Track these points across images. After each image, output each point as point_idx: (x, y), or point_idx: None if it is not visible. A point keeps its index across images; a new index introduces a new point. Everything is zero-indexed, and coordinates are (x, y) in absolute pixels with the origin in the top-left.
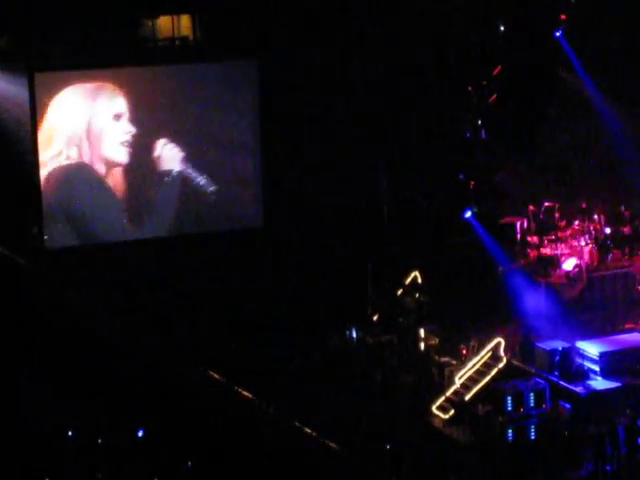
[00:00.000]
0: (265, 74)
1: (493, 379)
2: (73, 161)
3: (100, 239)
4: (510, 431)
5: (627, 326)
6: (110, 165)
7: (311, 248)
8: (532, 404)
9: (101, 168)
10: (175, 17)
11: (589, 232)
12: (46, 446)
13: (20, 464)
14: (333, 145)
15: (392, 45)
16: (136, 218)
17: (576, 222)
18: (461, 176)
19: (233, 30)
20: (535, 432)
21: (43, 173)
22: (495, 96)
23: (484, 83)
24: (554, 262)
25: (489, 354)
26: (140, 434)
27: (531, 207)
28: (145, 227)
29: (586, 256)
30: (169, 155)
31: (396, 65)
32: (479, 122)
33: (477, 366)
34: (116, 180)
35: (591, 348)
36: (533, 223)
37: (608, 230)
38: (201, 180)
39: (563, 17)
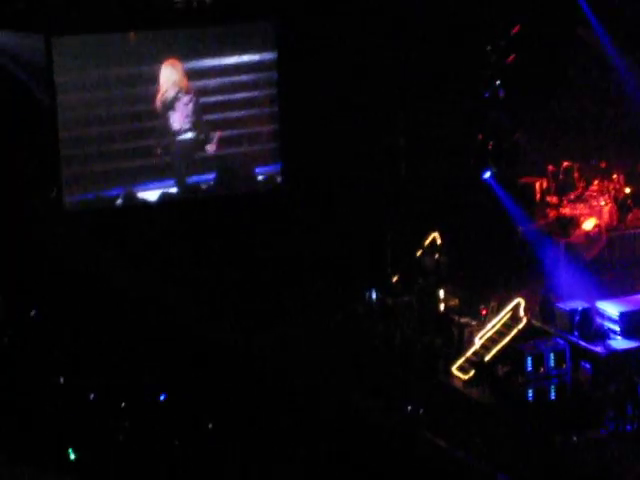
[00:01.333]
0: (282, 36)
1: (513, 339)
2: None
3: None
4: (530, 391)
5: None
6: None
7: (330, 210)
8: (552, 364)
9: None
10: None
11: (608, 191)
12: (68, 409)
13: (42, 427)
14: (350, 106)
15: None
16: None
17: (595, 182)
18: (480, 136)
19: None
20: (555, 392)
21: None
22: (513, 56)
23: (502, 43)
24: (574, 222)
25: (509, 314)
26: (162, 397)
27: (550, 167)
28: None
29: (605, 216)
30: (187, 114)
31: (413, 27)
32: (497, 82)
33: (497, 327)
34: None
35: (611, 308)
36: (552, 183)
37: (627, 189)
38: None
39: None
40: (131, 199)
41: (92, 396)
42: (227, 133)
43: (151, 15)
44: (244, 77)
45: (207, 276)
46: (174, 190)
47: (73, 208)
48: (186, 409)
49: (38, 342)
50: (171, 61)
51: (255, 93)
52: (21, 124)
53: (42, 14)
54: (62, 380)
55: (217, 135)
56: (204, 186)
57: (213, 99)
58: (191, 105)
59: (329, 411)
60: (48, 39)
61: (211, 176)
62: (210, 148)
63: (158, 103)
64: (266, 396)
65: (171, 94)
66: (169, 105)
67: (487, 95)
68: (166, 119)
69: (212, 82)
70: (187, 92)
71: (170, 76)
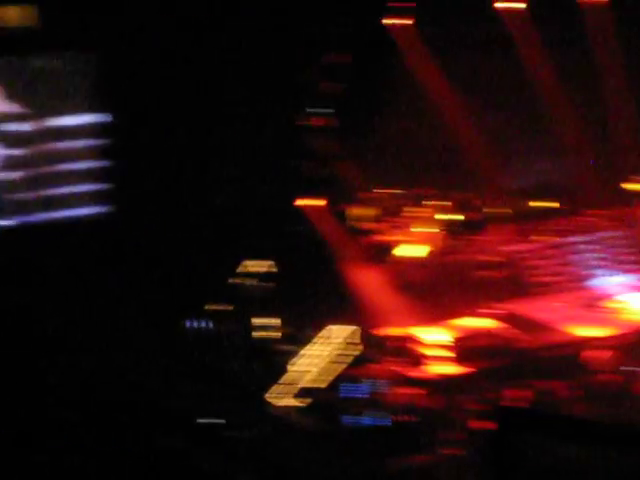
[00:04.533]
0: (105, 66)
1: (340, 366)
2: None
3: None
4: (355, 418)
5: (472, 311)
6: None
7: (152, 240)
8: (375, 390)
9: None
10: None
11: (428, 218)
12: None
13: None
14: (170, 134)
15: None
16: None
17: (415, 208)
18: (297, 163)
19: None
20: (381, 418)
21: None
22: (338, 84)
23: (320, 69)
24: (394, 248)
25: (341, 342)
26: None
27: (371, 194)
28: None
29: (429, 242)
30: None
31: (227, 51)
32: (316, 109)
33: (322, 353)
34: None
35: (436, 334)
36: (374, 210)
37: (447, 216)
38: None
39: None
40: None
41: None
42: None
43: None
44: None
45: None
46: None
47: None
48: None
49: None
50: None
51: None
52: None
53: None
54: None
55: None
56: None
57: None
58: None
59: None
60: None
61: None
62: None
63: None
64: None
65: None
66: None
67: (305, 121)
68: None
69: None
70: None
71: None
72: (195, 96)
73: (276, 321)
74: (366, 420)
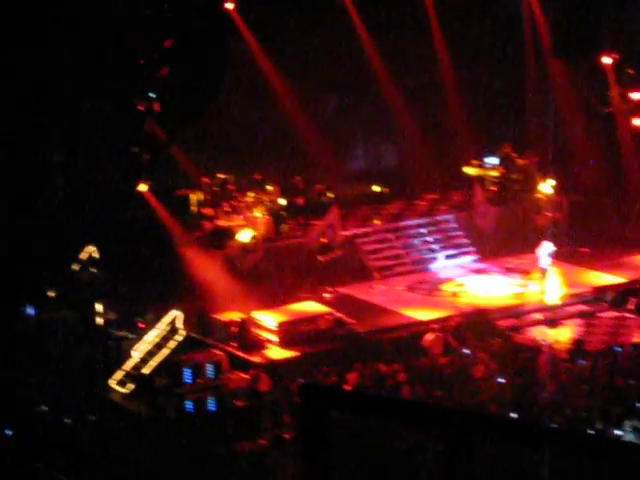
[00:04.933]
0: None
1: (172, 352)
2: None
3: None
4: (190, 403)
5: (302, 296)
6: None
7: None
8: (211, 375)
9: None
10: None
11: (263, 203)
12: None
13: None
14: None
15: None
16: None
17: (250, 193)
18: (135, 149)
19: None
20: (215, 403)
21: None
22: (167, 69)
23: (155, 55)
24: (229, 234)
25: (167, 327)
26: None
27: (205, 179)
28: None
29: (261, 227)
30: None
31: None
32: (152, 94)
33: (155, 339)
34: None
35: (267, 318)
36: (208, 195)
37: (282, 201)
38: None
39: None
40: None
41: None
42: None
43: None
44: None
45: None
46: None
47: None
48: None
49: None
50: None
51: None
52: None
53: None
54: None
55: None
56: None
57: None
58: None
59: None
60: None
61: None
62: None
63: None
64: None
65: None
66: None
67: (142, 108)
68: None
69: None
70: None
71: None
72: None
73: (115, 307)
74: (196, 405)
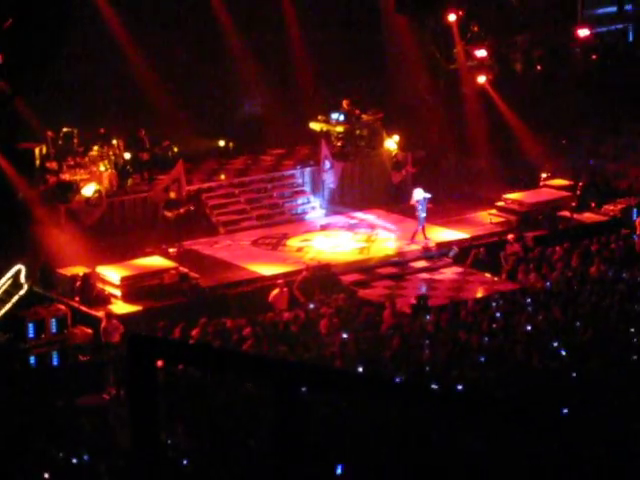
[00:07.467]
0: None
1: (14, 306)
2: None
3: None
4: (33, 358)
5: (147, 250)
6: None
7: None
8: (54, 330)
9: None
10: None
11: (108, 157)
12: None
13: None
14: None
15: None
16: None
17: (95, 147)
18: None
19: None
20: (58, 358)
21: None
22: (10, 21)
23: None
24: (73, 188)
25: (9, 282)
26: None
27: (49, 132)
28: None
29: (105, 181)
30: None
31: None
32: None
33: None
34: None
35: (112, 273)
36: (52, 149)
37: (127, 155)
38: None
39: None
40: None
41: None
42: None
43: None
44: None
45: None
46: None
47: None
48: None
49: None
50: None
51: None
52: None
53: None
54: None
55: None
56: None
57: None
58: None
59: None
60: None
61: None
62: None
63: None
64: None
65: None
66: None
67: None
68: None
69: None
70: None
71: None
72: None
73: None
74: (40, 360)
